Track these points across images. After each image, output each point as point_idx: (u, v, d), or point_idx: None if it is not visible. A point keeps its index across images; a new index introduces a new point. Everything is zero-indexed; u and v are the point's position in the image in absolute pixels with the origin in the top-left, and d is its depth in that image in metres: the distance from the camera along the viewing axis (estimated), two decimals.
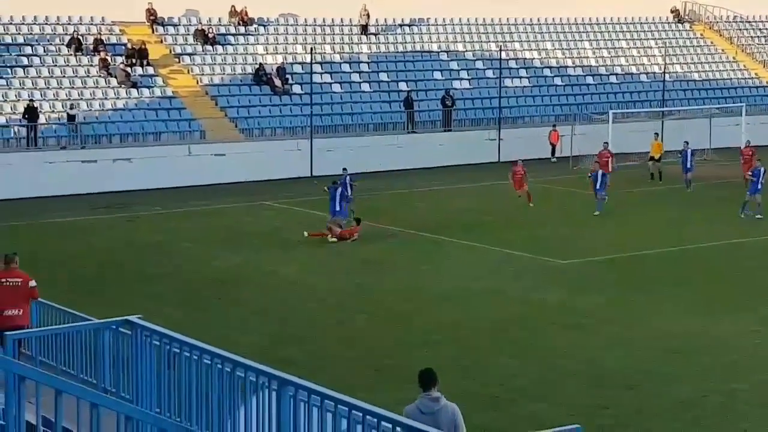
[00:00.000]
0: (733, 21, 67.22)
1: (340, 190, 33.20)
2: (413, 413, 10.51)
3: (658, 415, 18.36)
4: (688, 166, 42.50)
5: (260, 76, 50.46)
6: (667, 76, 58.29)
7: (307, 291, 27.01)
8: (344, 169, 36.16)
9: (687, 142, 43.64)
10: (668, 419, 18.16)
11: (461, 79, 55.49)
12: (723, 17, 67.30)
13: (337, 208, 32.78)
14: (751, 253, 31.47)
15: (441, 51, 57.06)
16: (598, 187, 37.72)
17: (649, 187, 44.41)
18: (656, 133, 48.26)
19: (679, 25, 66.00)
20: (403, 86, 53.25)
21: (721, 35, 66.30)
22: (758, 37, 66.69)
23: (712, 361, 21.28)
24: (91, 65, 48.03)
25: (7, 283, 15.71)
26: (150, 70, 49.10)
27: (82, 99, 45.98)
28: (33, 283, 15.88)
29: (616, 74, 59.82)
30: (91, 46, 48.63)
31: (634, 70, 60.52)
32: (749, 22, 67.77)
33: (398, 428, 8.68)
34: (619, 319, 24.19)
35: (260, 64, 51.02)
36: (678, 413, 18.42)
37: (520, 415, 18.02)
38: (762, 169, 37.04)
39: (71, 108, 44.04)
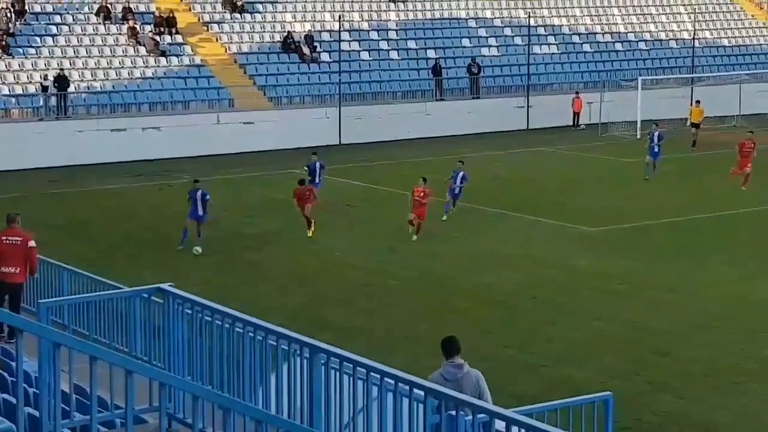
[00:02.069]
0: None
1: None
2: (438, 381, 10.42)
3: (692, 380, 18.27)
4: (656, 150, 37.46)
5: (288, 44, 50.28)
6: (696, 42, 57.67)
7: (340, 256, 27.01)
8: (314, 154, 33.17)
9: (656, 124, 39.44)
10: (703, 385, 18.06)
11: (489, 46, 55.10)
12: None
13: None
14: None
15: (469, 18, 56.64)
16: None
17: (686, 153, 43.78)
18: (697, 101, 47.44)
19: None
20: (431, 54, 52.92)
21: (751, 1, 65.49)
22: None
23: (748, 326, 21.13)
24: (120, 34, 47.99)
25: (7, 242, 15.95)
26: (178, 38, 49.02)
27: (111, 68, 45.97)
28: (32, 243, 16.04)
29: (645, 41, 59.23)
30: (120, 15, 48.56)
31: (663, 36, 59.90)
32: None
33: (429, 395, 8.63)
34: (653, 285, 24.07)
35: (288, 32, 50.83)
36: (713, 379, 18.31)
37: (554, 380, 17.96)
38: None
39: (44, 78, 43.41)
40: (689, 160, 42.33)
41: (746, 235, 29.22)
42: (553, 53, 56.09)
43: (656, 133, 37.49)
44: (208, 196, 27.37)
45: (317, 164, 31.92)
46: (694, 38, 57.69)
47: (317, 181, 31.46)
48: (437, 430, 8.66)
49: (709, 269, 25.43)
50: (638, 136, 47.26)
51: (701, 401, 17.34)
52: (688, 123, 46.43)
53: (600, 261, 26.31)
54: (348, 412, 9.40)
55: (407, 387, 8.79)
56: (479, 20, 56.70)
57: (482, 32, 55.90)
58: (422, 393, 8.70)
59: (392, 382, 8.90)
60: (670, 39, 59.77)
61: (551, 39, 56.81)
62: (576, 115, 51.49)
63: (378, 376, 9.02)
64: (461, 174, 30.63)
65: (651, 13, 61.33)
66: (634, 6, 61.53)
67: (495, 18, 57.10)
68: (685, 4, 62.55)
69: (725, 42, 60.95)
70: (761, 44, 61.72)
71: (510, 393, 15.47)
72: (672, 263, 25.98)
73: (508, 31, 56.30)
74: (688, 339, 20.43)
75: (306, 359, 9.63)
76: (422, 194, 27.77)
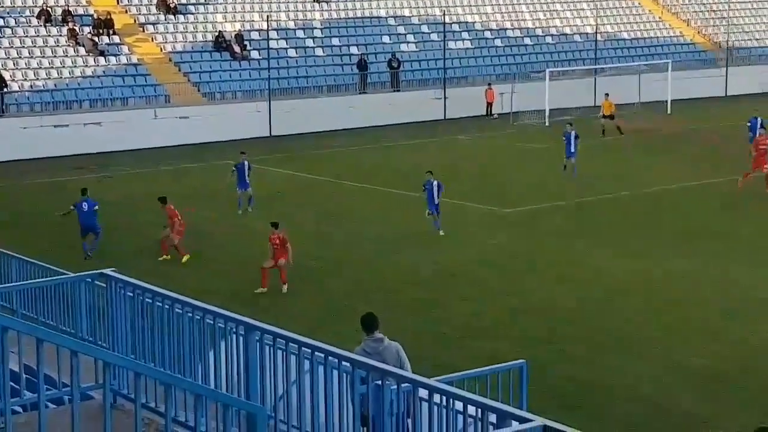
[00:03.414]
0: None
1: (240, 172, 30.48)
2: (361, 355, 10.51)
3: (599, 349, 18.58)
4: (572, 150, 34.88)
5: (220, 43, 49.96)
6: (598, 35, 58.39)
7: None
8: (242, 153, 31.48)
9: (571, 124, 36.86)
10: (610, 353, 18.38)
11: (408, 42, 55.24)
12: None
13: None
14: (683, 198, 31.77)
15: (389, 16, 56.70)
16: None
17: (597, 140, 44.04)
18: (606, 94, 47.63)
19: None
20: (354, 50, 52.93)
21: None
22: None
23: (648, 298, 21.53)
24: (60, 35, 47.23)
25: None
26: (116, 39, 48.38)
27: (52, 67, 45.24)
28: None
29: (552, 35, 59.80)
30: (60, 17, 47.80)
31: (568, 30, 60.52)
32: None
33: (356, 368, 8.71)
34: (562, 261, 24.37)
35: (220, 31, 50.49)
36: (618, 347, 18.64)
37: (473, 351, 18.14)
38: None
39: None
40: (594, 147, 42.92)
41: (645, 214, 29.71)
42: (467, 48, 56.40)
43: (572, 134, 35.09)
44: (96, 206, 25.60)
45: (245, 163, 30.37)
46: (596, 32, 58.40)
47: (247, 180, 30.19)
48: (364, 399, 8.74)
49: (612, 246, 25.83)
50: (547, 124, 47.80)
51: (608, 367, 17.64)
52: (600, 114, 46.43)
53: (513, 240, 26.57)
54: (282, 385, 9.44)
55: (336, 360, 8.85)
56: (398, 18, 56.78)
57: (401, 29, 56.00)
58: (350, 365, 8.77)
59: (322, 356, 8.96)
60: (574, 33, 60.40)
61: (465, 35, 57.10)
62: (489, 105, 51.87)
63: (309, 350, 9.08)
64: (436, 183, 26.92)
65: (557, 9, 61.92)
66: (540, 3, 62.04)
67: (413, 16, 57.23)
68: (587, 1, 63.24)
69: (625, 35, 61.77)
70: (657, 37, 62.66)
71: (432, 364, 15.60)
72: (578, 241, 26.33)
73: (425, 28, 56.47)
74: (594, 311, 20.77)
75: (242, 336, 9.66)
76: (278, 240, 22.91)
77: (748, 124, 37.09)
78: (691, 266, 23.74)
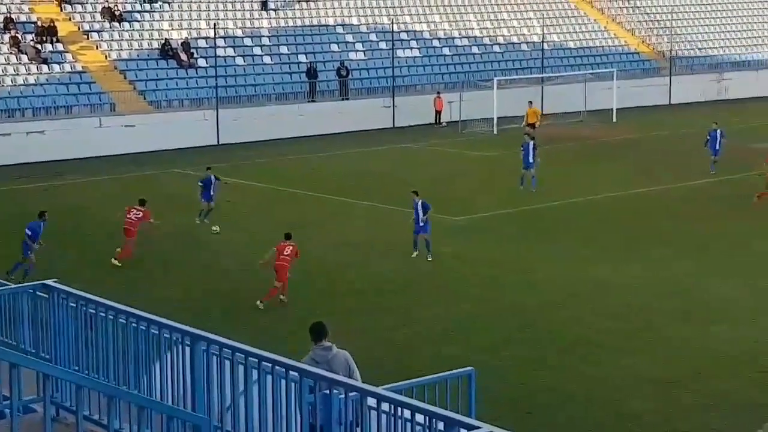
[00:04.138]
0: None
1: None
2: (309, 364, 10.41)
3: (552, 353, 18.65)
4: (530, 161, 33.85)
5: (166, 51, 49.57)
6: (545, 44, 58.84)
7: (223, 248, 26.75)
8: (208, 168, 30.96)
9: (528, 134, 36.62)
10: (562, 357, 18.45)
11: (357, 50, 55.22)
12: None
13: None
14: (631, 205, 32.05)
15: (337, 24, 56.65)
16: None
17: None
18: (530, 101, 47.63)
19: None
20: (302, 58, 52.81)
21: (593, 6, 67.10)
22: (626, 7, 67.66)
23: (598, 304, 21.65)
24: (2, 43, 46.53)
25: None
26: (60, 46, 47.78)
27: None
28: None
29: (499, 44, 60.14)
30: (2, 25, 47.09)
31: (515, 39, 60.90)
32: None
33: (304, 377, 8.62)
34: (514, 268, 24.45)
35: (166, 39, 50.08)
36: (570, 352, 18.72)
37: (425, 358, 18.11)
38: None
39: None
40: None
41: (593, 221, 29.95)
42: (415, 56, 56.52)
43: (530, 144, 34.30)
44: (29, 233, 24.00)
45: (212, 177, 29.97)
46: (543, 41, 58.84)
47: (212, 194, 29.76)
48: (313, 408, 8.65)
49: (562, 252, 25.98)
50: (495, 132, 48.04)
51: (560, 372, 17.71)
52: (524, 123, 46.15)
53: (465, 247, 26.62)
54: (230, 396, 9.32)
55: (283, 370, 8.76)
56: (346, 26, 56.76)
57: (349, 38, 55.98)
58: (297, 375, 8.68)
59: (269, 365, 8.86)
60: (521, 42, 60.81)
61: (413, 43, 57.23)
62: (438, 113, 52.03)
63: (256, 360, 8.97)
64: (420, 203, 25.56)
65: (504, 18, 62.30)
66: (488, 12, 62.39)
67: (361, 24, 57.24)
68: (534, 10, 63.71)
69: (571, 44, 62.31)
70: (603, 46, 63.27)
71: (384, 371, 15.53)
72: (529, 248, 26.45)
73: (373, 37, 56.51)
74: (547, 317, 20.85)
75: (188, 347, 9.52)
76: (288, 250, 22.03)
77: (708, 136, 37.15)
78: (641, 272, 23.95)
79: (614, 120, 52.07)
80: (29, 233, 24.11)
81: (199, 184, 30.28)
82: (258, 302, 21.60)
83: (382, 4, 59.11)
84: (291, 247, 21.89)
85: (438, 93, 52.38)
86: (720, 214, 30.24)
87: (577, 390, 16.88)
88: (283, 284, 21.87)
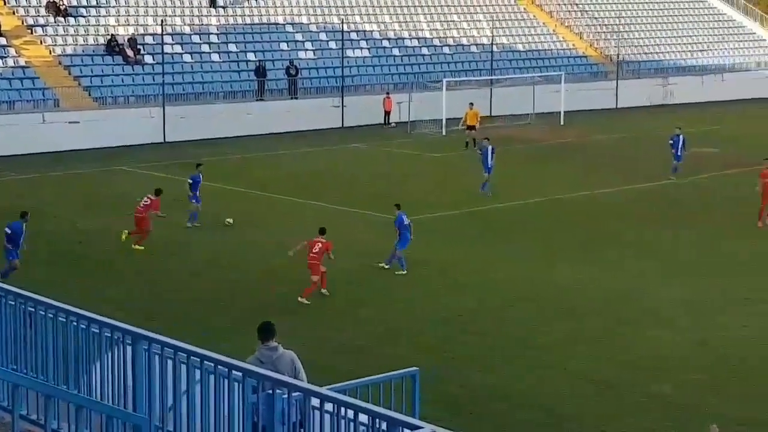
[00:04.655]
0: None
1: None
2: (254, 364, 10.33)
3: (495, 355, 18.72)
4: (489, 165, 33.57)
5: (113, 47, 49.02)
6: (494, 47, 59.15)
7: (169, 248, 26.53)
8: (198, 165, 30.49)
9: (488, 139, 35.63)
10: (505, 359, 18.53)
11: (306, 49, 55.09)
12: None
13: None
14: (577, 207, 32.30)
15: (287, 23, 56.47)
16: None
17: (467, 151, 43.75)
18: (471, 103, 46.88)
19: None
20: (251, 56, 52.56)
21: (542, 9, 67.59)
22: (575, 11, 68.26)
23: (543, 306, 21.77)
24: None
25: None
26: (3, 41, 47.04)
27: None
28: None
29: (449, 45, 60.34)
30: None
31: (465, 41, 61.14)
32: None
33: (247, 377, 8.55)
34: (460, 269, 24.50)
35: (112, 35, 49.53)
36: (513, 353, 18.80)
37: (369, 358, 18.08)
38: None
39: None
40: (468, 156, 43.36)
41: (540, 223, 30.12)
42: (365, 57, 56.52)
43: (489, 148, 33.82)
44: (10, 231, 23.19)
45: (200, 176, 29.31)
46: (492, 43, 59.14)
47: (198, 194, 28.99)
48: (256, 409, 8.59)
49: (509, 254, 26.10)
50: (444, 133, 48.18)
51: (504, 374, 17.78)
52: (461, 125, 45.60)
53: (413, 248, 26.57)
54: (173, 396, 9.22)
55: (226, 369, 8.68)
56: (296, 25, 56.60)
57: (299, 36, 55.83)
58: (240, 375, 8.61)
59: (212, 365, 8.78)
60: (471, 44, 61.06)
61: (363, 43, 57.23)
62: (387, 114, 52.06)
63: (198, 359, 8.89)
64: (402, 216, 24.78)
65: (454, 20, 62.51)
66: (438, 13, 62.58)
67: (311, 23, 57.12)
68: (484, 12, 64.01)
69: (520, 47, 62.69)
70: (551, 49, 63.77)
71: (329, 372, 15.48)
72: (478, 249, 26.54)
73: (323, 36, 56.40)
74: (492, 318, 20.93)
75: (129, 346, 9.41)
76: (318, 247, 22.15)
77: (671, 141, 37.31)
78: (589, 273, 24.12)
79: (562, 123, 52.47)
80: (8, 232, 23.21)
81: (189, 181, 29.11)
82: (299, 298, 21.75)
83: (332, 4, 59.03)
84: (320, 244, 22.01)
85: (387, 93, 52.41)
86: (668, 217, 30.58)
87: (520, 390, 16.98)
88: (320, 277, 22.02)
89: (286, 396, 8.34)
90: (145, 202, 26.43)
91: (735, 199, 33.07)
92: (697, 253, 26.38)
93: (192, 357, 8.90)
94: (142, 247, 26.05)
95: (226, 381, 8.70)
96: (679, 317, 20.98)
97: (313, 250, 22.13)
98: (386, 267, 24.31)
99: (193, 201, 28.97)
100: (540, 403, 16.53)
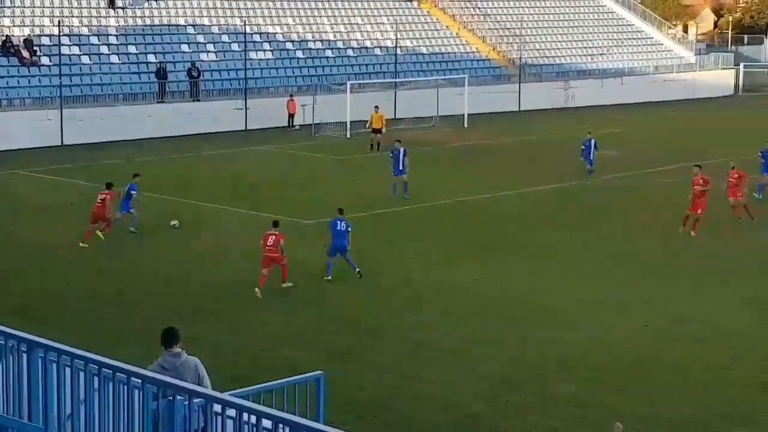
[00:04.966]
0: (456, 0, 69.14)
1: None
2: (157, 370, 10.18)
3: (401, 357, 18.74)
4: (401, 167, 33.43)
5: (7, 48, 47.88)
6: (398, 50, 59.42)
7: (70, 253, 25.99)
8: (135, 176, 29.10)
9: (399, 141, 35.01)
10: (411, 361, 18.55)
11: (208, 51, 54.59)
12: None
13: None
14: (480, 209, 32.60)
15: (188, 25, 55.88)
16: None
17: (371, 153, 43.72)
18: (376, 106, 46.76)
19: (408, 2, 67.25)
20: (151, 58, 51.88)
21: (445, 13, 68.15)
22: (478, 15, 68.98)
23: (449, 307, 21.88)
24: None
25: None
26: None
27: None
28: None
29: (353, 48, 60.44)
30: None
31: (368, 44, 61.31)
32: (469, 0, 69.90)
33: (147, 383, 8.40)
34: (367, 271, 24.44)
35: (7, 36, 48.38)
36: (419, 355, 18.84)
37: (273, 362, 17.94)
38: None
39: None
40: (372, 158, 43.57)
41: (446, 224, 30.30)
42: (268, 59, 56.26)
43: (401, 150, 33.37)
44: None
45: (136, 186, 28.22)
46: (396, 46, 59.41)
47: (129, 203, 27.94)
48: (156, 416, 8.43)
49: (413, 256, 26.19)
50: (348, 136, 48.20)
51: (409, 377, 17.79)
52: (368, 126, 45.29)
53: (315, 251, 26.51)
54: (71, 404, 9.00)
55: (125, 376, 8.51)
56: (197, 27, 56.06)
57: (200, 38, 55.30)
58: (143, 382, 8.45)
59: (110, 372, 8.60)
60: (375, 47, 61.26)
61: (266, 45, 56.96)
62: (291, 116, 51.86)
63: (96, 366, 8.69)
64: (342, 221, 24.19)
65: (357, 23, 62.63)
66: (341, 16, 62.63)
67: (212, 25, 56.63)
68: (387, 15, 64.27)
69: (424, 50, 63.11)
70: (455, 52, 64.35)
71: (230, 376, 15.31)
72: (378, 251, 26.56)
73: (225, 38, 55.96)
74: (397, 321, 20.95)
75: (24, 354, 9.17)
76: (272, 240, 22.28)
77: (583, 146, 37.88)
78: (488, 276, 24.33)
79: (465, 125, 52.95)
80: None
81: (129, 191, 28.02)
82: (255, 289, 21.86)
83: (234, 5, 58.64)
84: (273, 237, 22.17)
85: (291, 96, 52.23)
86: (569, 219, 31.05)
87: (421, 392, 17.03)
88: (283, 268, 22.33)
89: (187, 402, 8.20)
90: (101, 197, 26.74)
91: (636, 201, 33.78)
92: (597, 254, 26.82)
93: (90, 364, 8.71)
94: (104, 237, 26.79)
95: (125, 388, 8.53)
96: (579, 318, 21.29)
97: (268, 243, 22.28)
98: (358, 270, 23.65)
99: (124, 211, 27.97)
100: (445, 404, 16.60)
